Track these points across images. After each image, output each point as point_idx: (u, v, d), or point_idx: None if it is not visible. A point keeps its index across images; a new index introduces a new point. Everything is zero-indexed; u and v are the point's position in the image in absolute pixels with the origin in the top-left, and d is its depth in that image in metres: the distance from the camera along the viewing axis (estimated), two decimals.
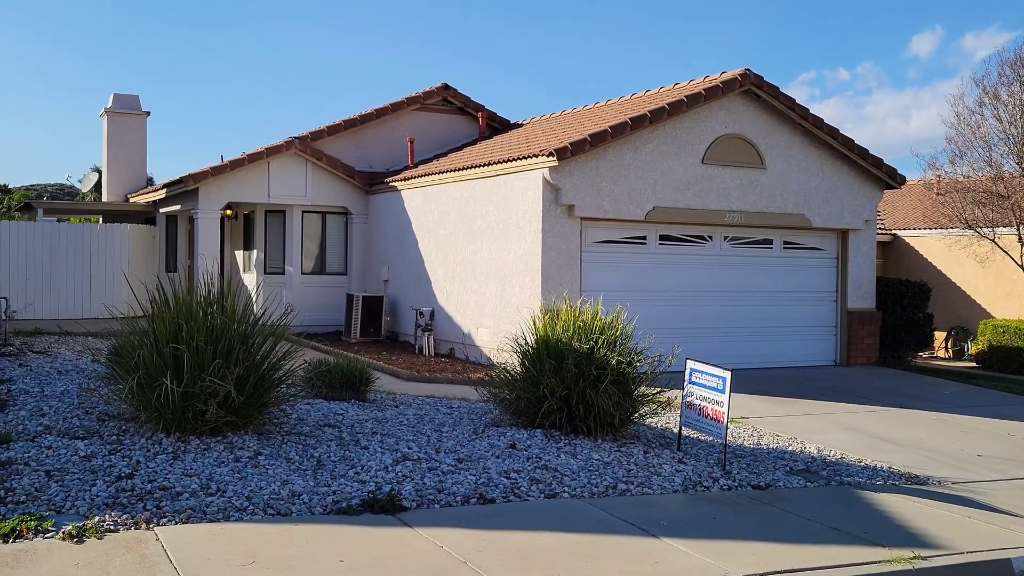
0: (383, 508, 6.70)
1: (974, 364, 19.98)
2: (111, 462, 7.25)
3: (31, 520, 5.89)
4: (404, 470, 7.64)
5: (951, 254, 22.97)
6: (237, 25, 79.11)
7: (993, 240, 20.36)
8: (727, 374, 8.72)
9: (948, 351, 22.53)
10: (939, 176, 22.53)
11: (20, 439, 7.85)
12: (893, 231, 24.71)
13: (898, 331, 17.74)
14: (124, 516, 6.11)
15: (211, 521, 6.22)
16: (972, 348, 20.91)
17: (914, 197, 26.21)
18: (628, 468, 8.34)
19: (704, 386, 9.01)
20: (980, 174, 20.45)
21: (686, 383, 9.22)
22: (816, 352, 17.07)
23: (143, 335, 8.39)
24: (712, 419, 8.87)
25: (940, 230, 22.90)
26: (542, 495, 7.40)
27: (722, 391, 8.76)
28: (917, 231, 24.30)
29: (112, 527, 5.94)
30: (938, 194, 23.53)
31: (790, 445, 10.31)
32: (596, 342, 9.46)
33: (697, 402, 9.09)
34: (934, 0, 70.95)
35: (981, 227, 20.37)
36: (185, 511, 6.30)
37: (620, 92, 20.00)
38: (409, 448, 8.38)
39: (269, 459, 7.68)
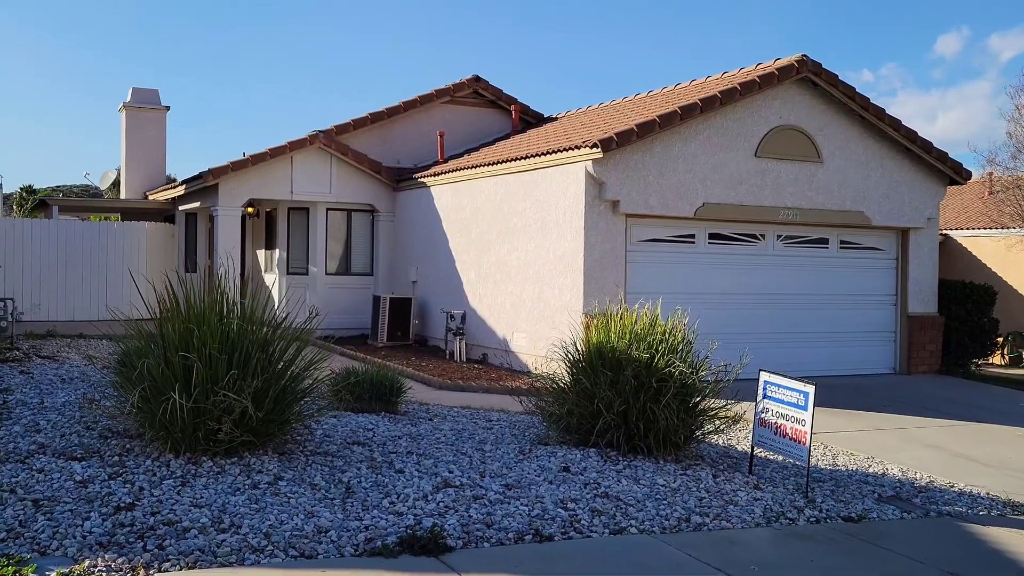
0: (424, 548, 5.69)
1: None
2: (110, 488, 6.28)
3: (8, 565, 4.92)
4: (446, 499, 6.63)
5: (1008, 255, 21.68)
6: (260, 21, 78.49)
7: None
8: (810, 389, 7.67)
9: (1005, 357, 21.26)
10: (991, 173, 21.27)
11: (9, 460, 6.88)
12: (944, 231, 23.43)
13: (961, 337, 16.57)
14: (120, 559, 5.13)
15: (223, 565, 5.23)
16: None
17: (966, 196, 24.93)
18: (699, 496, 7.29)
19: (781, 401, 7.95)
20: None
21: (759, 398, 8.17)
22: (874, 359, 15.91)
23: (149, 341, 7.42)
24: (792, 439, 7.81)
25: (997, 230, 21.63)
26: (606, 530, 6.36)
27: (804, 408, 7.71)
28: (970, 231, 23.03)
29: (104, 573, 4.97)
30: (990, 192, 22.29)
31: (870, 466, 9.25)
32: (656, 350, 8.44)
33: (772, 419, 8.04)
34: (959, 0, 69.28)
35: None
36: (192, 552, 5.31)
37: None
38: (450, 472, 7.36)
39: (291, 485, 6.69)
